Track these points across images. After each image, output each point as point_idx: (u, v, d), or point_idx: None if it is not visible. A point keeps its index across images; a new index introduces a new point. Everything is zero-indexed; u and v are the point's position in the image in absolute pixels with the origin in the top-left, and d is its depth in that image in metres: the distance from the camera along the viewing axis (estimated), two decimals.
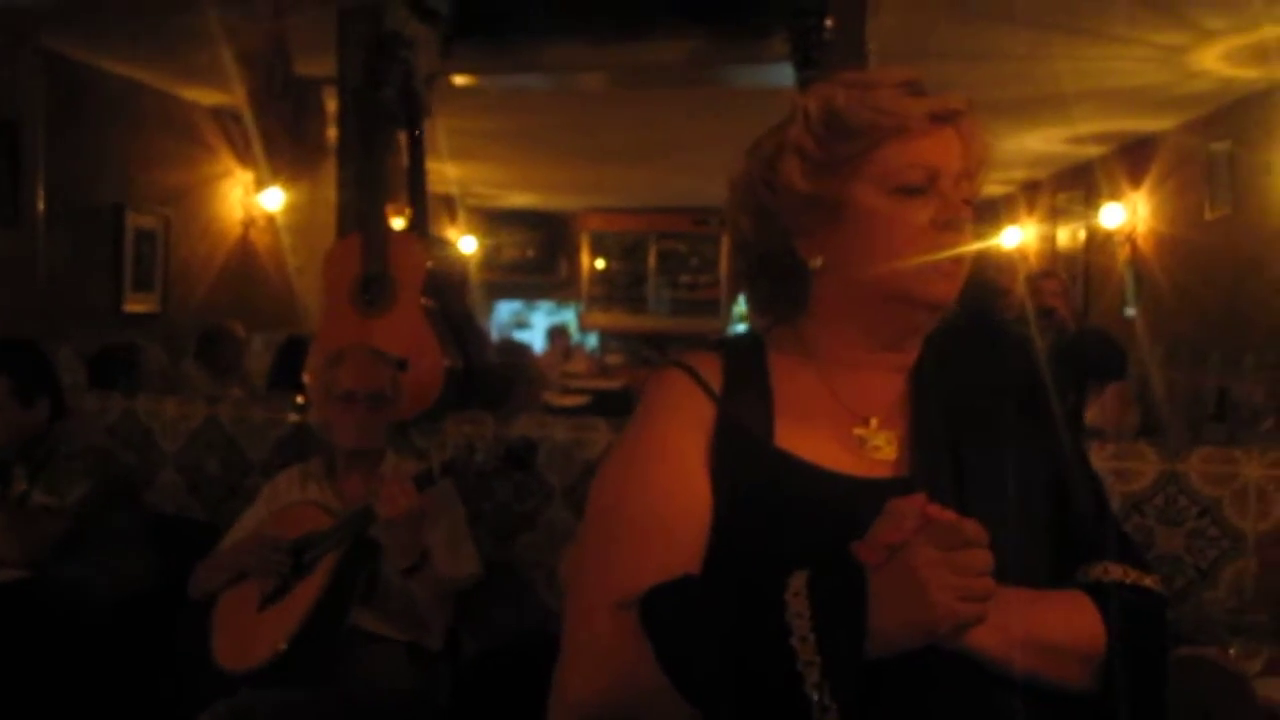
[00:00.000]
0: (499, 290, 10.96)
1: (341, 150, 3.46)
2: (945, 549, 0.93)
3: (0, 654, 2.47)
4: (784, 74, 3.22)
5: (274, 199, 6.04)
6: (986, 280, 4.39)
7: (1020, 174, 8.11)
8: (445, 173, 7.21)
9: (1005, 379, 1.19)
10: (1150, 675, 1.10)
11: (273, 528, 2.57)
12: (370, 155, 3.19)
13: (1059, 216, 7.80)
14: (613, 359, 10.50)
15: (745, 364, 1.17)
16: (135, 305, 5.30)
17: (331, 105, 3.69)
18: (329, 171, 3.63)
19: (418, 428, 3.03)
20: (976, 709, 1.01)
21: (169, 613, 2.64)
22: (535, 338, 10.47)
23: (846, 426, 1.13)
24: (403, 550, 2.38)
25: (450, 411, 3.09)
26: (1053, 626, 1.06)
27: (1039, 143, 6.67)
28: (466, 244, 9.24)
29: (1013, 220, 8.52)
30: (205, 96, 5.63)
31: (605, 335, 11.01)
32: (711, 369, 1.15)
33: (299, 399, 3.36)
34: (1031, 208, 8.45)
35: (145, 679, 2.64)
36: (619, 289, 10.94)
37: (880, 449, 1.12)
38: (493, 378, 3.48)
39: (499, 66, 3.72)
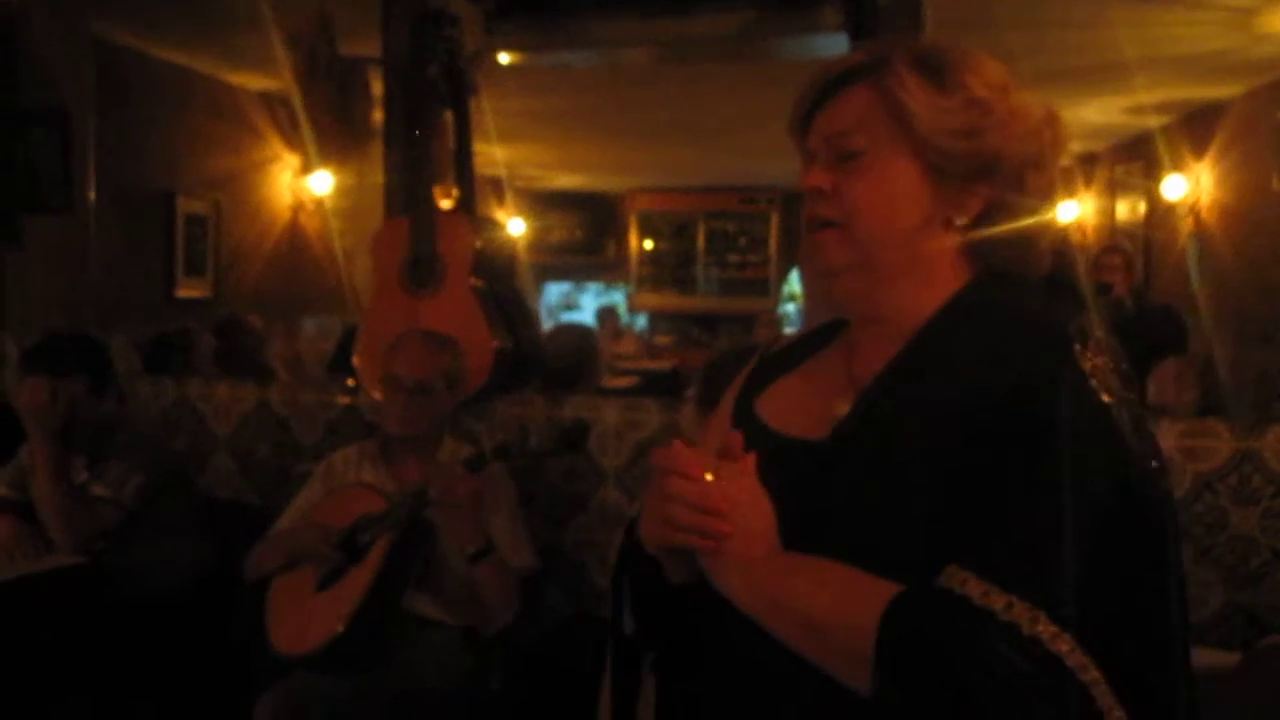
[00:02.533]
0: (548, 272, 10.95)
1: (387, 131, 3.43)
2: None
3: (56, 638, 2.49)
4: (838, 45, 3.14)
5: (322, 183, 6.06)
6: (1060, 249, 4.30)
7: (1077, 146, 7.92)
8: (493, 155, 7.18)
9: (989, 378, 1.02)
10: (929, 709, 0.91)
11: (326, 508, 2.55)
12: (416, 135, 3.16)
13: (1118, 189, 7.61)
14: (662, 340, 10.45)
15: (809, 336, 1.24)
16: (187, 291, 5.33)
17: (377, 87, 3.65)
18: (376, 154, 3.60)
19: (467, 409, 3.00)
20: (759, 666, 1.04)
21: (225, 598, 2.65)
22: (583, 319, 10.45)
23: (838, 395, 1.13)
24: (464, 535, 2.35)
25: (500, 393, 3.06)
26: (819, 604, 0.98)
27: (1097, 113, 6.50)
28: (515, 226, 9.23)
29: (1069, 194, 8.33)
30: (253, 81, 5.63)
31: (654, 316, 10.96)
32: (784, 341, 1.28)
33: (350, 382, 3.35)
34: (1089, 181, 8.26)
35: (202, 664, 2.65)
36: (668, 269, 10.87)
37: (837, 417, 1.12)
38: (559, 362, 3.45)
39: (544, 43, 3.67)
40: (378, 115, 3.70)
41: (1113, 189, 7.71)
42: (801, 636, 0.99)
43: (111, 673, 2.53)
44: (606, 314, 10.07)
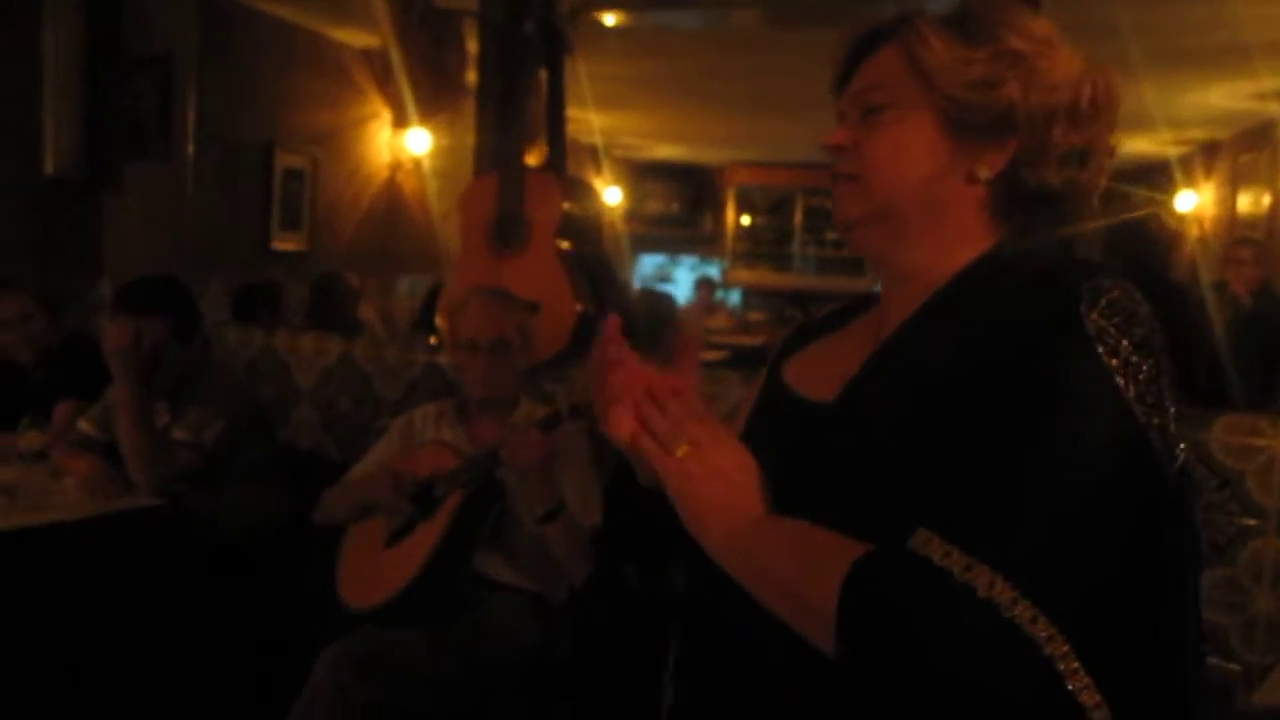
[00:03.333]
0: (643, 244, 10.89)
1: (481, 87, 3.40)
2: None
3: (132, 577, 2.51)
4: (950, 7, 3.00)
5: (421, 142, 6.06)
6: (1148, 233, 4.10)
7: (1199, 133, 7.58)
8: (591, 122, 7.13)
9: (996, 338, 0.97)
10: (886, 670, 0.89)
11: (402, 464, 2.53)
12: (509, 92, 3.11)
13: (1240, 180, 7.26)
14: (755, 316, 10.32)
15: (852, 303, 1.27)
16: (283, 244, 5.38)
17: (472, 44, 3.61)
18: (470, 112, 3.57)
19: (547, 373, 2.95)
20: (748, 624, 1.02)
21: (301, 548, 2.65)
22: (678, 292, 10.37)
23: (860, 358, 1.12)
24: (536, 497, 2.30)
25: (582, 357, 3.01)
26: (791, 566, 0.97)
27: (1221, 98, 6.19)
28: (611, 195, 9.18)
29: (1189, 184, 7.99)
30: (355, 38, 5.65)
31: (748, 292, 10.84)
32: (828, 309, 1.30)
33: (432, 340, 3.33)
34: (1210, 170, 7.90)
35: (275, 612, 2.66)
36: (764, 245, 10.73)
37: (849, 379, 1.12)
38: (638, 327, 3.39)
39: (646, 2, 3.58)
40: (472, 76, 3.67)
41: (1235, 179, 7.37)
42: (776, 598, 0.98)
43: (184, 615, 2.55)
44: (704, 284, 9.96)
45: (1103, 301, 0.94)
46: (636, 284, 10.53)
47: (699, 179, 10.95)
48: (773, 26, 4.09)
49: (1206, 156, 7.93)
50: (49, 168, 4.00)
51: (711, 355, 6.64)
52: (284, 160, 5.31)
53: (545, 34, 3.10)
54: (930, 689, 0.86)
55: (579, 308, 2.94)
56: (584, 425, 2.45)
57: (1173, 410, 0.94)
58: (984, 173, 1.07)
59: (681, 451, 1.03)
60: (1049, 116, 1.05)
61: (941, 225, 1.09)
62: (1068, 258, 1.05)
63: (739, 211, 10.84)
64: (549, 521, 2.30)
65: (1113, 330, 0.93)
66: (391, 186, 6.22)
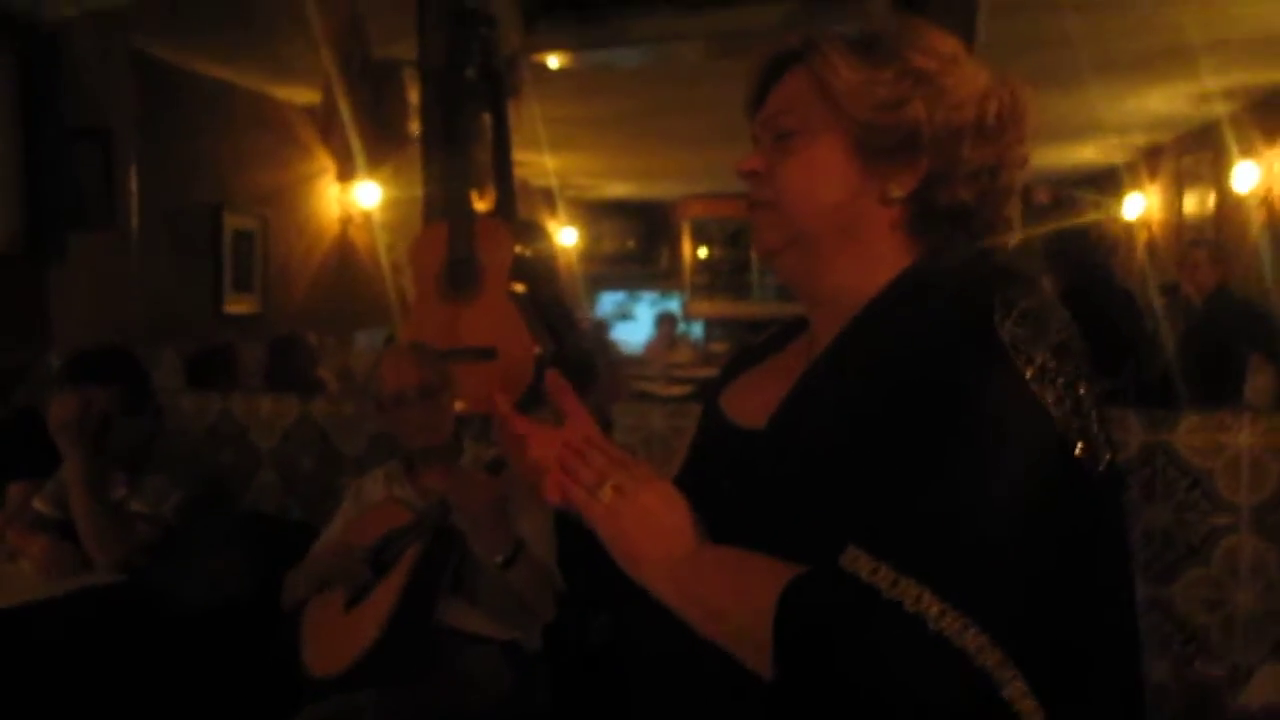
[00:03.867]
0: (601, 282, 10.90)
1: (425, 136, 3.37)
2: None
3: (96, 654, 2.45)
4: None
5: (370, 195, 6.04)
6: (1086, 246, 4.15)
7: (1141, 138, 7.69)
8: (543, 164, 7.15)
9: (908, 354, 0.99)
10: (822, 688, 0.89)
11: (357, 530, 2.51)
12: (454, 139, 3.09)
13: (1185, 182, 7.37)
14: (717, 347, 10.34)
15: (787, 328, 1.28)
16: (235, 306, 5.33)
17: (414, 95, 3.60)
18: (416, 162, 3.55)
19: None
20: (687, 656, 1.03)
21: (267, 615, 2.60)
22: (640, 329, 10.38)
23: (790, 383, 1.13)
24: (492, 541, 2.27)
25: (543, 401, 2.97)
26: (725, 593, 0.98)
27: (1162, 102, 6.28)
28: (567, 236, 9.19)
29: (1135, 187, 8.09)
30: (298, 95, 5.63)
31: (710, 323, 10.86)
32: (765, 335, 1.33)
33: None
34: (1154, 174, 8.02)
35: (242, 683, 2.60)
36: (722, 276, 10.78)
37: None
38: (584, 365, 3.37)
39: (586, 41, 3.59)
40: (415, 126, 3.66)
41: (1180, 182, 7.47)
42: (713, 627, 0.98)
43: (150, 691, 2.48)
44: (666, 319, 9.97)
45: (1015, 312, 0.95)
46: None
47: (654, 215, 11.00)
48: (715, 59, 4.10)
49: (1151, 160, 8.05)
50: None
51: (676, 390, 6.63)
52: (233, 222, 5.27)
53: (487, 79, 3.10)
54: (866, 706, 0.86)
55: (537, 350, 2.91)
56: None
57: (1095, 413, 0.95)
58: (896, 193, 1.08)
59: (607, 496, 1.05)
60: (956, 134, 1.06)
61: (857, 247, 1.10)
62: (983, 271, 1.06)
63: (695, 244, 10.89)
64: (510, 565, 2.27)
65: (1027, 338, 0.94)
66: (343, 241, 6.19)
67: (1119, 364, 3.63)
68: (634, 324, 10.88)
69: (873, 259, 1.10)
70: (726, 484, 1.10)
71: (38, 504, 2.81)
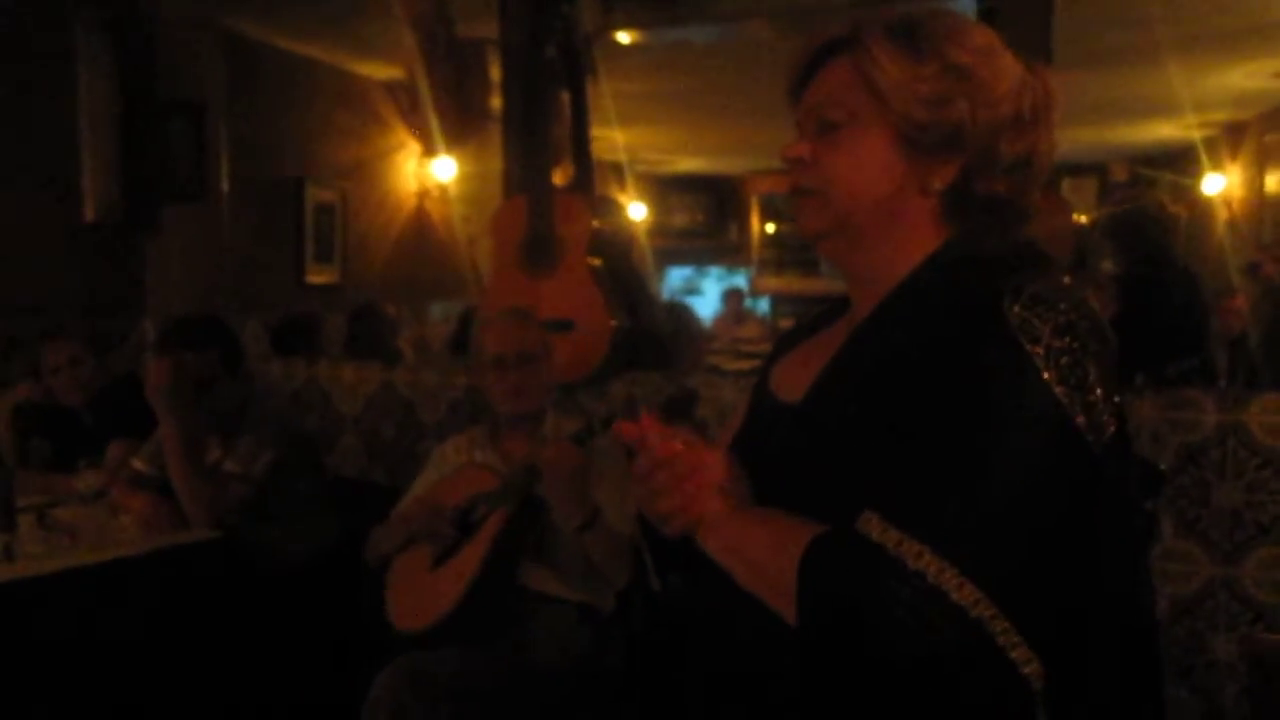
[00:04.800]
0: (669, 257, 10.90)
1: (505, 112, 3.45)
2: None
3: (190, 609, 2.57)
4: (964, 6, 3.03)
5: (446, 169, 6.13)
6: (1144, 227, 4.09)
7: (1223, 115, 7.51)
8: (614, 139, 7.17)
9: (946, 333, 1.06)
10: (835, 637, 1.00)
11: (441, 491, 2.58)
12: (533, 115, 3.16)
13: (1268, 160, 7.20)
14: (785, 323, 10.31)
15: (835, 305, 1.32)
16: (316, 277, 5.46)
17: (495, 73, 3.67)
18: (496, 138, 3.63)
19: (586, 389, 2.99)
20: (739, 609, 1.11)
21: (352, 574, 2.70)
22: (707, 304, 10.39)
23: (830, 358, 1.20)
24: (572, 508, 2.35)
25: (619, 371, 3.05)
26: (760, 549, 1.08)
27: (1244, 79, 6.14)
28: (636, 210, 9.21)
29: (1215, 167, 7.92)
30: (378, 71, 5.73)
31: (777, 299, 10.83)
32: (815, 313, 1.36)
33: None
34: (1235, 151, 7.83)
35: (329, 637, 2.71)
36: (790, 251, 10.71)
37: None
38: (658, 339, 3.42)
39: (662, 19, 3.63)
40: (496, 101, 3.73)
41: (1262, 159, 7.29)
42: (751, 578, 1.08)
43: (242, 643, 2.60)
44: (733, 294, 9.97)
45: (1025, 295, 1.02)
46: (666, 297, 10.57)
47: (722, 189, 10.97)
48: (785, 35, 4.13)
49: (1232, 138, 7.87)
50: (89, 215, 4.09)
51: (743, 365, 6.65)
52: (314, 195, 5.39)
53: (566, 57, 3.16)
54: (874, 651, 0.96)
55: (614, 323, 2.98)
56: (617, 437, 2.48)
57: (1102, 389, 1.01)
58: (937, 185, 1.14)
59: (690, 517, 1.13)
60: (996, 130, 1.11)
61: (898, 234, 1.16)
62: (1000, 257, 1.12)
63: (763, 219, 10.85)
64: (585, 530, 2.35)
65: (1035, 321, 1.01)
66: (420, 214, 6.29)
67: (1186, 346, 3.60)
68: (701, 299, 10.89)
69: (908, 244, 1.16)
70: (767, 453, 1.19)
71: (137, 463, 2.95)
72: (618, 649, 2.50)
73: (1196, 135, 8.11)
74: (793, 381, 1.23)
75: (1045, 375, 0.99)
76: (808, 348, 1.30)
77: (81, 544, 2.61)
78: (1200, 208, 7.76)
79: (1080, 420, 1.00)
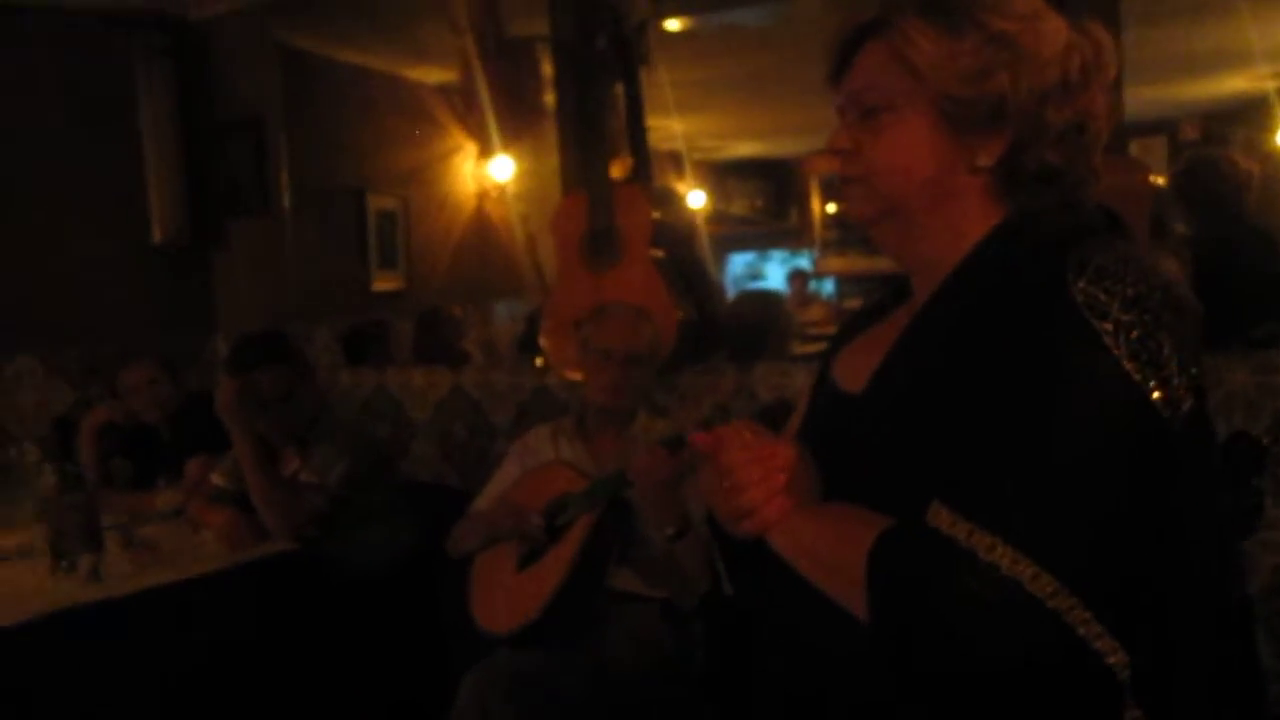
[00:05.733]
0: (731, 243, 10.83)
1: (560, 108, 3.43)
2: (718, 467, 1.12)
3: (270, 619, 2.60)
4: None
5: (504, 169, 6.14)
6: (1215, 186, 3.94)
7: None
8: (670, 128, 7.13)
9: (1014, 319, 1.01)
10: (907, 634, 0.95)
11: (525, 487, 2.57)
12: (587, 109, 3.14)
13: None
14: (851, 304, 10.20)
15: (895, 292, 1.28)
16: (382, 284, 5.49)
17: (547, 69, 3.66)
18: (552, 134, 3.61)
19: (656, 382, 2.96)
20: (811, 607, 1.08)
21: (431, 578, 2.71)
22: (770, 287, 10.31)
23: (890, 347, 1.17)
24: (665, 516, 2.31)
25: (687, 363, 3.02)
26: (828, 544, 1.06)
27: None
28: (695, 198, 9.17)
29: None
30: (430, 75, 5.74)
31: (842, 280, 10.71)
32: (874, 300, 1.33)
33: (537, 362, 3.37)
34: None
35: (412, 642, 2.72)
36: (853, 231, 10.51)
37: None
38: (744, 330, 3.39)
39: (709, 4, 3.58)
40: (549, 97, 3.71)
41: None
42: (820, 575, 1.06)
43: (328, 653, 2.62)
44: (797, 276, 9.88)
45: (1090, 269, 0.97)
46: (729, 285, 10.51)
47: (781, 172, 10.87)
48: (836, 12, 4.06)
49: None
50: (157, 236, 4.16)
51: (812, 349, 6.58)
52: (375, 203, 5.42)
53: (617, 48, 3.13)
54: (949, 646, 0.92)
55: (679, 314, 2.95)
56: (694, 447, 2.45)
57: (1176, 364, 0.96)
58: (985, 161, 1.09)
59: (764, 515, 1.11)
60: (1041, 99, 1.07)
61: (949, 215, 1.12)
62: (1061, 229, 1.07)
63: (824, 200, 10.72)
64: (678, 539, 2.31)
65: (1101, 295, 0.96)
66: (480, 215, 6.30)
67: (1269, 306, 3.47)
68: (765, 283, 10.81)
69: (964, 224, 1.12)
70: (831, 444, 1.16)
71: (215, 478, 2.99)
72: (698, 648, 2.47)
73: (1270, 86, 7.84)
74: (855, 371, 1.20)
75: (1115, 352, 0.95)
76: (869, 336, 1.26)
77: (165, 561, 2.65)
78: (1276, 162, 7.50)
79: (1155, 397, 0.95)
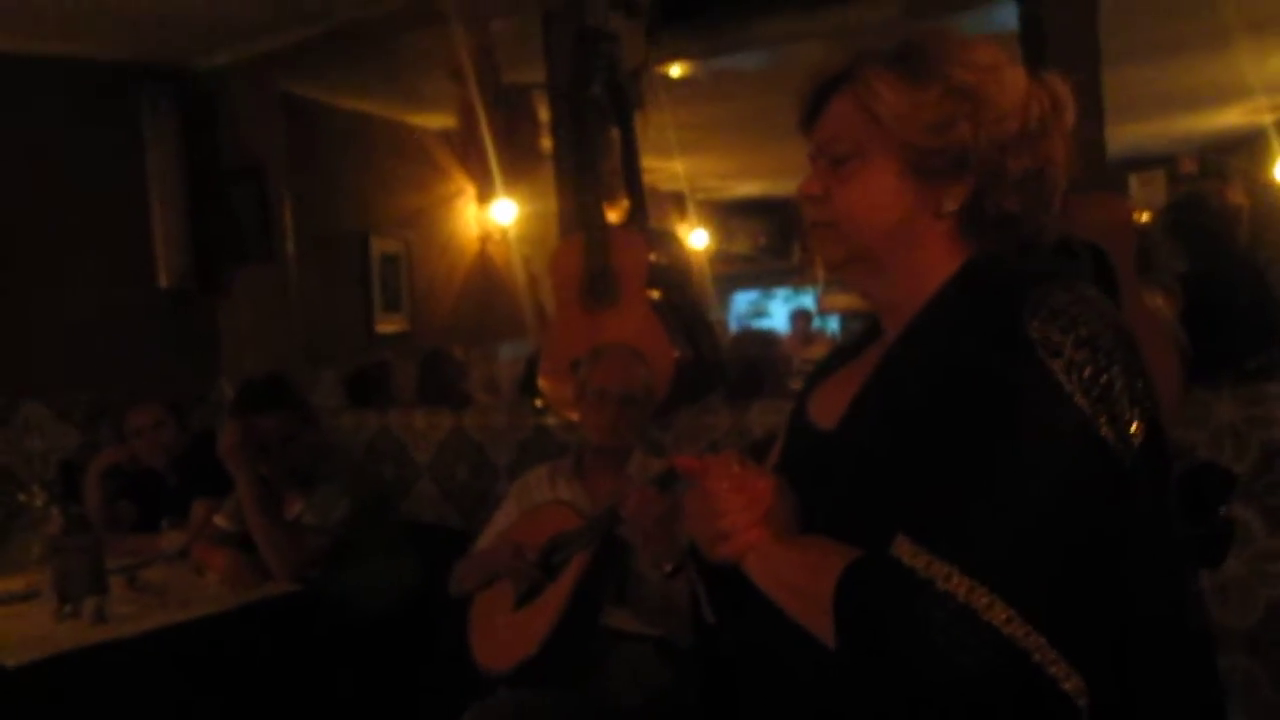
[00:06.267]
0: (734, 281, 10.90)
1: (557, 153, 3.49)
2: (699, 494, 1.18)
3: (274, 660, 2.62)
4: (1008, 16, 3.00)
5: (506, 212, 6.21)
6: (1205, 222, 3.97)
7: None
8: (673, 169, 7.21)
9: (968, 347, 1.06)
10: (872, 660, 1.00)
11: (524, 527, 2.59)
12: (583, 154, 3.19)
13: None
14: None
15: (869, 331, 1.32)
16: (386, 326, 5.55)
17: (544, 115, 3.73)
18: (549, 178, 3.67)
19: (652, 420, 3.00)
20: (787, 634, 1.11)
21: (431, 618, 2.73)
22: (774, 326, 10.35)
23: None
24: (658, 554, 2.33)
25: (683, 403, 3.05)
26: (800, 575, 1.10)
27: None
28: (698, 238, 9.23)
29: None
30: (432, 120, 5.83)
31: (845, 317, 10.74)
32: (851, 339, 1.38)
33: (537, 403, 3.40)
34: None
35: (412, 681, 2.74)
36: None
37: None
38: (743, 368, 3.42)
39: (707, 49, 3.66)
40: (546, 142, 3.78)
41: None
42: (793, 603, 1.10)
43: (329, 693, 2.64)
44: (800, 315, 9.93)
45: (1044, 309, 1.02)
46: (733, 322, 10.56)
47: (783, 212, 10.93)
48: (836, 54, 4.12)
49: None
50: (164, 281, 4.23)
51: None
52: (379, 246, 5.49)
53: (612, 94, 3.19)
54: (910, 672, 0.96)
55: (676, 354, 2.98)
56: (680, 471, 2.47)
57: (1128, 400, 1.01)
58: (950, 206, 1.15)
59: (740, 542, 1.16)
60: (1001, 148, 1.11)
61: (915, 257, 1.17)
62: (1019, 272, 1.11)
63: None
64: (675, 576, 2.32)
65: (1055, 334, 1.01)
66: (483, 258, 6.36)
67: (1261, 338, 3.49)
68: (769, 320, 10.86)
69: (929, 266, 1.17)
70: (806, 481, 1.20)
71: (219, 520, 3.03)
72: (694, 683, 2.48)
73: (1267, 120, 7.90)
74: (829, 408, 1.24)
75: (1067, 389, 0.99)
76: (843, 373, 1.30)
77: (169, 603, 2.68)
78: (1271, 194, 7.55)
79: (1105, 432, 0.99)
